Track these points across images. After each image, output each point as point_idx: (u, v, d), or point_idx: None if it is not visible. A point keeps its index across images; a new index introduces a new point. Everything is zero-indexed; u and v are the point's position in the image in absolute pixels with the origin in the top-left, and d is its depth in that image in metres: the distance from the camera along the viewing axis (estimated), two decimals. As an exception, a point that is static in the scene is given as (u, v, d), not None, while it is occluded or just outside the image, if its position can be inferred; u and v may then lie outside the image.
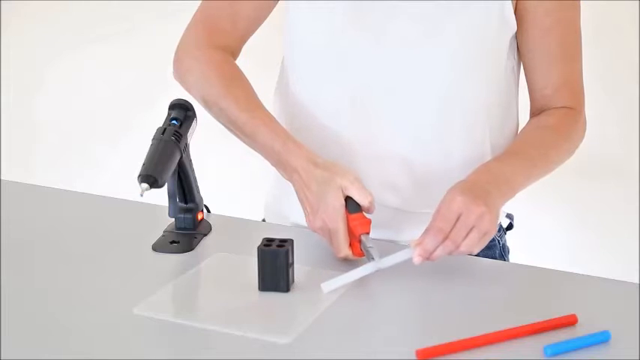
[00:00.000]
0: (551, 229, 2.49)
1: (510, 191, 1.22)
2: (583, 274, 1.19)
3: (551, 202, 2.46)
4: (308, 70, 1.35)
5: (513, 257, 1.49)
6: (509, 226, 1.48)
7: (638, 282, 1.16)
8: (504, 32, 1.29)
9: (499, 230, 1.44)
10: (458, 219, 1.13)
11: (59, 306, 1.11)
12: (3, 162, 2.95)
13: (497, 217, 1.17)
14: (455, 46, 1.27)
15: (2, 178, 1.64)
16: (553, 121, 1.33)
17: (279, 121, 1.38)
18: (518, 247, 1.53)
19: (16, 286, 1.17)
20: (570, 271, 1.20)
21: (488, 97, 1.32)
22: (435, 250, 1.13)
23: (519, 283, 1.18)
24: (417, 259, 1.13)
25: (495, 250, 1.42)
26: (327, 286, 1.12)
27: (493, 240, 1.41)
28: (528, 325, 1.02)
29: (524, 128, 1.35)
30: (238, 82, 1.35)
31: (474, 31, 1.27)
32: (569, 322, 1.04)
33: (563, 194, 2.45)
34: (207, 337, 1.03)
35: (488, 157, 1.33)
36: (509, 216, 1.47)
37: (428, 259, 1.13)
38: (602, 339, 1.00)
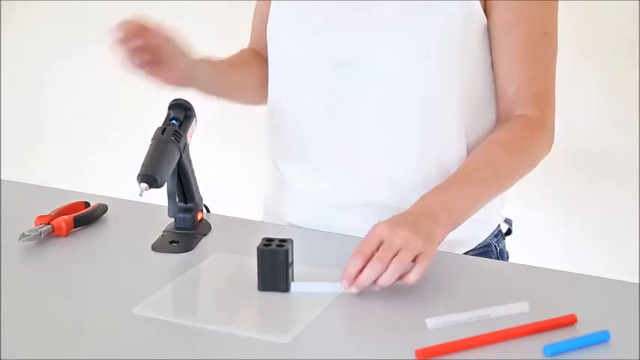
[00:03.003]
0: (551, 229, 2.48)
1: (451, 219, 1.17)
2: (582, 274, 1.19)
3: (550, 201, 2.46)
4: (283, 77, 1.37)
5: (512, 257, 1.48)
6: (508, 232, 1.47)
7: (638, 282, 1.16)
8: (472, 27, 1.28)
9: (496, 235, 1.43)
10: (381, 243, 1.09)
11: (59, 306, 1.11)
12: (3, 162, 2.95)
13: (430, 242, 1.11)
14: (421, 43, 1.26)
15: (2, 178, 1.64)
16: (507, 136, 1.29)
17: (271, 127, 1.40)
18: (518, 247, 1.52)
19: (16, 286, 1.17)
20: (570, 271, 1.20)
21: (462, 92, 1.30)
22: (359, 272, 1.08)
23: (519, 283, 1.18)
24: (343, 284, 1.09)
25: (491, 255, 1.41)
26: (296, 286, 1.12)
27: (489, 245, 1.41)
28: (528, 325, 1.02)
29: (476, 147, 1.31)
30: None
31: (437, 27, 1.26)
32: (569, 322, 1.04)
33: (562, 194, 2.45)
34: (206, 337, 1.03)
35: (464, 152, 1.32)
36: (508, 221, 1.46)
37: (357, 285, 1.08)
38: (601, 339, 1.00)
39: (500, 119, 1.33)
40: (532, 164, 1.32)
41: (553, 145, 1.34)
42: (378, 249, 1.09)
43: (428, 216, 1.15)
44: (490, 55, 1.32)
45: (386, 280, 1.08)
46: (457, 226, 1.20)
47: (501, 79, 1.31)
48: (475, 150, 1.30)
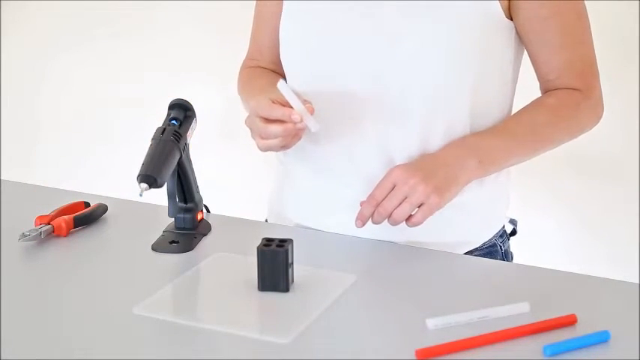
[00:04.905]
0: (551, 230, 2.49)
1: (482, 164, 1.25)
2: (583, 274, 1.19)
3: (551, 202, 2.47)
4: (292, 75, 1.37)
5: (516, 257, 1.48)
6: (513, 232, 1.47)
7: (638, 282, 1.16)
8: (488, 27, 1.28)
9: (501, 236, 1.43)
10: (393, 189, 1.22)
11: (59, 306, 1.11)
12: (3, 162, 2.95)
13: (439, 193, 1.20)
14: (437, 41, 1.26)
15: (2, 178, 1.64)
16: (552, 100, 1.34)
17: None
18: (520, 247, 1.52)
19: (16, 286, 1.17)
20: (570, 271, 1.20)
21: (475, 90, 1.30)
22: (370, 215, 1.23)
23: (519, 283, 1.18)
24: (357, 223, 1.24)
25: (497, 255, 1.41)
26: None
27: (494, 245, 1.40)
28: (528, 325, 1.02)
29: (522, 108, 1.37)
30: (257, 77, 1.46)
31: (453, 26, 1.26)
32: (569, 322, 1.04)
33: (563, 194, 2.45)
34: (206, 337, 1.03)
35: None
36: (513, 221, 1.45)
37: (373, 221, 1.23)
38: (601, 339, 1.00)
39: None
40: (576, 132, 1.36)
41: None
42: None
43: (455, 161, 1.24)
44: (511, 50, 1.33)
45: (391, 223, 1.22)
46: (487, 174, 1.28)
47: (542, 68, 1.35)
48: (521, 109, 1.35)
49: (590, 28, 1.35)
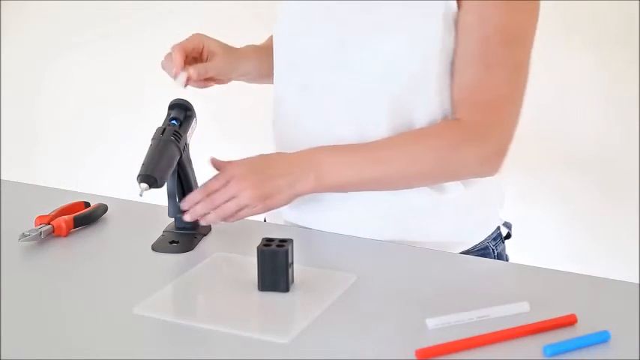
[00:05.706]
0: (551, 230, 2.48)
1: (319, 181, 1.26)
2: (583, 274, 1.19)
3: (551, 202, 2.46)
4: (286, 72, 1.38)
5: (513, 257, 1.48)
6: (507, 236, 1.45)
7: (638, 282, 1.16)
8: (451, 26, 1.25)
9: (495, 239, 1.42)
10: (227, 184, 1.25)
11: (59, 306, 1.11)
12: (3, 162, 2.95)
13: (262, 199, 1.25)
14: (408, 44, 1.25)
15: (2, 178, 1.64)
16: (431, 129, 1.27)
17: (274, 122, 1.40)
18: (518, 248, 1.52)
19: (16, 286, 1.17)
20: (570, 271, 1.20)
21: (441, 81, 1.27)
22: (197, 202, 1.26)
23: (519, 283, 1.18)
24: (183, 205, 1.27)
25: (489, 258, 1.40)
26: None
27: (487, 248, 1.39)
28: (528, 325, 1.02)
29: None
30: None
31: (422, 27, 1.25)
32: (569, 322, 1.04)
33: (563, 194, 2.45)
34: (206, 337, 1.03)
35: None
36: (507, 225, 1.44)
37: (191, 213, 1.26)
38: (601, 339, 1.00)
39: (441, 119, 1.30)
40: (443, 172, 1.27)
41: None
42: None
43: (295, 171, 1.25)
44: None
45: (209, 220, 1.26)
46: (329, 190, 1.28)
47: (452, 79, 1.27)
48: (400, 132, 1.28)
49: (521, 63, 1.24)
